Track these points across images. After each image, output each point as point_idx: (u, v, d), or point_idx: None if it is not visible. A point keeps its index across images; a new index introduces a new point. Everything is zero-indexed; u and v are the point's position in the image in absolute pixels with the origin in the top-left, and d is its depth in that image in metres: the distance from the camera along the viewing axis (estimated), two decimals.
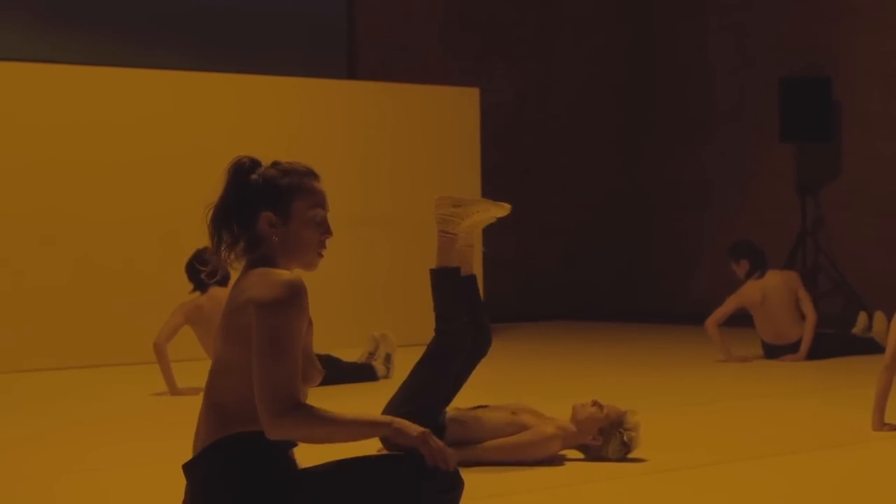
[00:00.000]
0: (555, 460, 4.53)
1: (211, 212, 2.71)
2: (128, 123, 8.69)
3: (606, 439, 4.54)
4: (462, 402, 4.71)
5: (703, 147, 11.97)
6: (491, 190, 10.81)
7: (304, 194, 2.67)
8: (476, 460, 4.46)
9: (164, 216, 8.74)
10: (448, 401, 4.54)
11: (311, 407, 2.57)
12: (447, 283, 4.61)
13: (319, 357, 7.29)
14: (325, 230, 2.71)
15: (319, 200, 2.69)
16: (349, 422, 2.58)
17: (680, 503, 3.99)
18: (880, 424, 5.17)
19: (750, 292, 8.05)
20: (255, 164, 2.73)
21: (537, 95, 11.94)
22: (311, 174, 2.71)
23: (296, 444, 2.74)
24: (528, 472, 4.39)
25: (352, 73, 10.72)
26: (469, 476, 4.25)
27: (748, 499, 4.03)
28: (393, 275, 9.72)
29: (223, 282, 6.80)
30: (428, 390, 4.47)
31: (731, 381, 7.23)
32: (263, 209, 2.66)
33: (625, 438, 4.52)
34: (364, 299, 9.64)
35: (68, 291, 8.45)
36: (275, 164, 2.72)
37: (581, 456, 4.63)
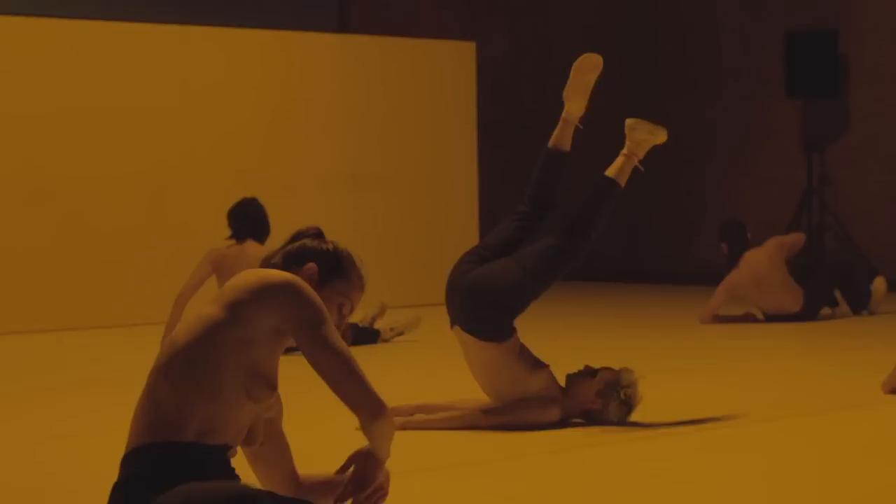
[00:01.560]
0: (557, 423, 4.47)
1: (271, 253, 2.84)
2: (112, 78, 8.54)
3: (605, 401, 4.46)
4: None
5: (706, 103, 11.77)
6: (488, 147, 10.62)
7: (349, 284, 2.80)
8: (473, 426, 4.42)
9: (150, 174, 8.64)
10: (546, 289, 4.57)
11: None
12: (613, 197, 4.73)
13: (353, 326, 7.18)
14: (339, 324, 2.79)
15: (353, 298, 2.82)
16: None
17: (687, 466, 3.88)
18: (892, 388, 5.08)
19: (741, 283, 7.98)
20: (319, 232, 2.90)
21: (535, 49, 11.71)
22: (363, 281, 2.85)
23: (232, 449, 2.65)
24: (523, 436, 4.34)
25: (343, 25, 10.52)
26: (465, 439, 4.28)
27: (753, 461, 3.93)
28: (386, 235, 9.57)
29: (261, 238, 6.70)
30: (541, 279, 4.48)
31: (734, 342, 7.19)
32: (315, 262, 2.78)
33: (622, 397, 4.45)
34: None
35: (52, 251, 8.30)
36: (347, 249, 2.84)
37: (580, 419, 4.55)
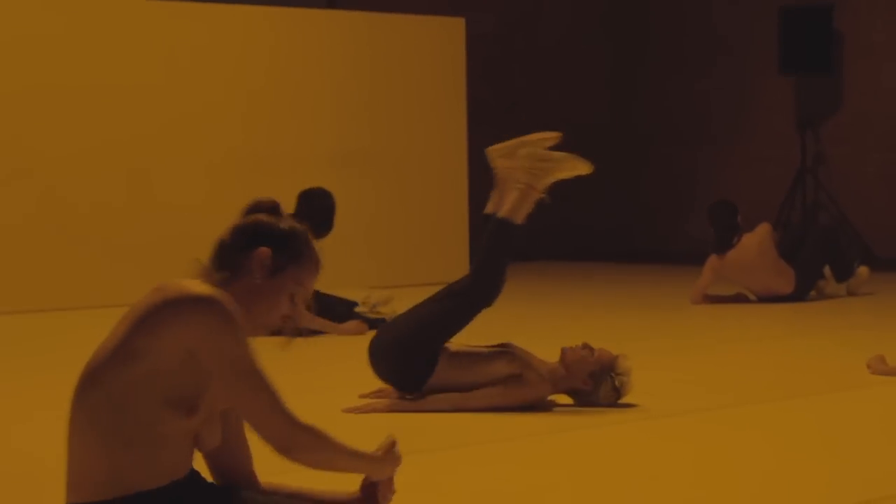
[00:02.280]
0: (543, 406, 4.44)
1: (222, 236, 2.49)
2: (94, 52, 8.42)
3: (597, 384, 4.43)
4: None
5: (698, 79, 11.68)
6: (477, 124, 10.49)
7: (304, 271, 2.48)
8: (462, 408, 4.38)
9: (132, 151, 8.54)
10: (450, 338, 4.47)
11: (317, 429, 2.39)
12: (509, 237, 4.51)
13: (346, 301, 7.05)
14: (290, 313, 2.48)
15: (308, 284, 2.50)
16: (350, 452, 2.46)
17: (683, 447, 3.82)
18: (877, 371, 5.10)
19: (726, 263, 7.88)
20: (275, 206, 2.54)
21: (525, 25, 11.58)
22: (319, 265, 2.53)
23: (182, 478, 2.37)
24: (515, 417, 4.30)
25: (331, 1, 10.39)
26: (454, 422, 4.20)
27: (750, 443, 3.87)
28: (374, 213, 9.48)
29: (317, 232, 6.53)
30: (441, 328, 4.40)
31: (725, 322, 7.17)
32: (268, 245, 2.44)
33: (616, 383, 4.42)
34: (344, 240, 9.30)
35: (29, 230, 8.17)
36: (305, 228, 2.53)
37: (571, 402, 4.51)
